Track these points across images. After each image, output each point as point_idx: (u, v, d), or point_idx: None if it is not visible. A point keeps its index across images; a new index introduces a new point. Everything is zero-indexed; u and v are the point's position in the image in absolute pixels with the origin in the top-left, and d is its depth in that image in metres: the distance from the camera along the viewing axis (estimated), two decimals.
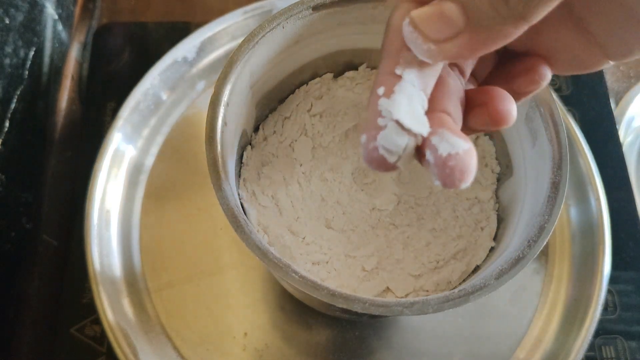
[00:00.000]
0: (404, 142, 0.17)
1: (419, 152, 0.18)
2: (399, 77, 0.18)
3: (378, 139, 0.17)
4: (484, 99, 0.20)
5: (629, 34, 0.19)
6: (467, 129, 0.21)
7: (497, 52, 0.22)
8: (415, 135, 0.17)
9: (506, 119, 0.20)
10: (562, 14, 0.20)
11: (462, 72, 0.22)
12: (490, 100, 0.20)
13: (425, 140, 0.17)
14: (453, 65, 0.22)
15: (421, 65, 0.18)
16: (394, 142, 0.17)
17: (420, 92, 0.18)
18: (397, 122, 0.17)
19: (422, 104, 0.18)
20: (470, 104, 0.21)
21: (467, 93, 0.21)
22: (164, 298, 0.36)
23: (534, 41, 0.21)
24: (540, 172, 0.27)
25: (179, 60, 0.41)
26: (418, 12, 0.17)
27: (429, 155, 0.17)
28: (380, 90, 0.18)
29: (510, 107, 0.20)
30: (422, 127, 0.17)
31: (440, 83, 0.20)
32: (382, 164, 0.18)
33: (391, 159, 0.17)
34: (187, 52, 0.42)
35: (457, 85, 0.21)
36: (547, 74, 0.21)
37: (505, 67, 0.22)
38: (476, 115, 0.20)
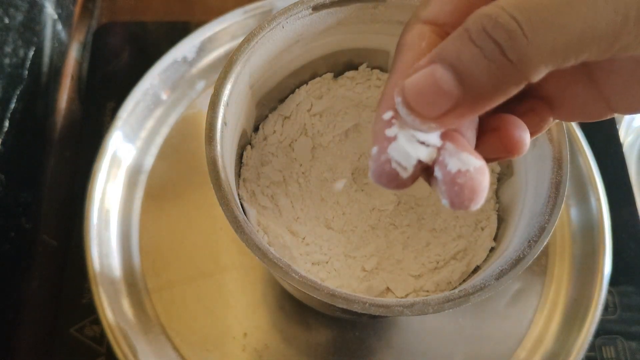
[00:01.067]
0: (416, 155, 0.16)
1: (427, 170, 0.17)
2: None
3: (389, 151, 0.16)
4: (497, 124, 0.19)
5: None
6: None
7: None
8: (429, 146, 0.16)
9: (519, 147, 0.19)
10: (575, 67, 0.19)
11: None
12: (504, 126, 0.19)
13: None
14: None
15: None
16: (405, 154, 0.16)
17: None
18: (408, 133, 0.16)
19: None
20: (481, 129, 0.20)
21: (479, 118, 0.20)
22: (163, 298, 0.36)
23: (538, 85, 0.20)
24: (541, 172, 0.27)
25: (178, 60, 0.41)
26: (410, 86, 0.16)
27: (437, 171, 0.16)
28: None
29: (525, 135, 0.19)
30: (434, 139, 0.16)
31: None
32: (393, 180, 0.16)
33: (404, 174, 0.16)
34: (186, 51, 0.42)
35: None
36: (550, 119, 0.20)
37: (506, 107, 0.21)
38: (487, 142, 0.19)
